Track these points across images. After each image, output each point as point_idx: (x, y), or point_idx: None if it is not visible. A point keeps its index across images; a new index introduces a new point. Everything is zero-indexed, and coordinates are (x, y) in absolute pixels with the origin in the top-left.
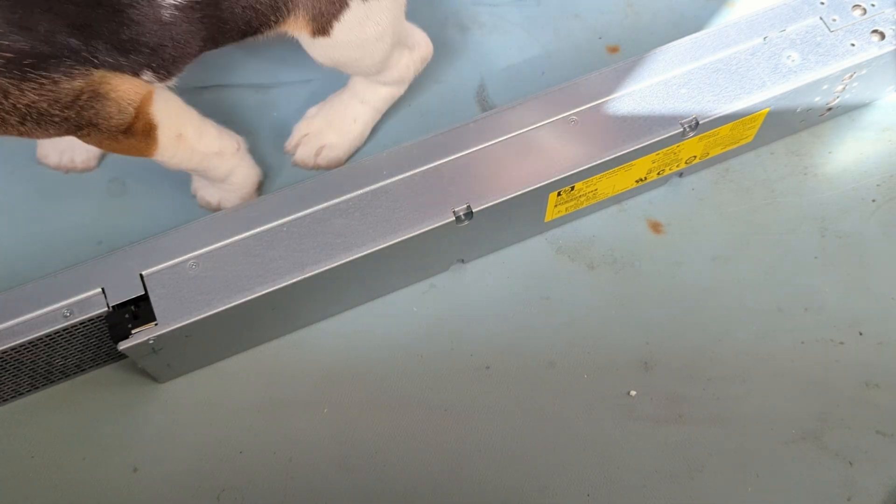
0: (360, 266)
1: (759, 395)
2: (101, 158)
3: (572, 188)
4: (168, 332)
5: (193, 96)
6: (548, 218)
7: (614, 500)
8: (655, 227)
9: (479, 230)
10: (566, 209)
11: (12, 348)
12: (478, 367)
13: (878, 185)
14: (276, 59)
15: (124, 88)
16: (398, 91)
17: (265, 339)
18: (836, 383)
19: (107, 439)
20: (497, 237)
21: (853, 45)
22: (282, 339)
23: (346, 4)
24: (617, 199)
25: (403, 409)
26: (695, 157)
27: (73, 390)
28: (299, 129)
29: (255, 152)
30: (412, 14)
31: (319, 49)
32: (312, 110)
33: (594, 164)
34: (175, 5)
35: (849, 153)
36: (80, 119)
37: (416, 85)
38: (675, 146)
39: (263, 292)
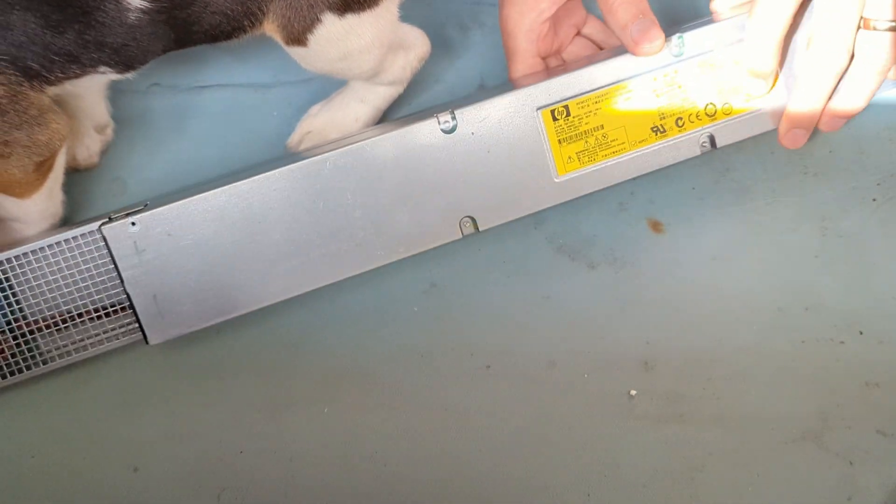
0: None
1: (760, 394)
2: (102, 155)
3: (567, 110)
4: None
5: (193, 96)
6: (560, 171)
7: (614, 500)
8: (656, 226)
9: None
10: (578, 157)
11: None
12: (478, 366)
13: (878, 184)
14: (276, 59)
15: (61, 124)
16: (397, 90)
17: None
18: (836, 383)
19: (107, 439)
20: (504, 179)
21: None
22: (282, 339)
23: (318, 20)
24: (639, 160)
25: (403, 409)
26: (714, 107)
27: (73, 390)
28: (302, 127)
29: (254, 152)
30: (411, 13)
31: (298, 57)
32: (315, 108)
33: (573, 71)
34: (140, 9)
35: (849, 152)
36: (9, 134)
37: (416, 85)
38: (673, 72)
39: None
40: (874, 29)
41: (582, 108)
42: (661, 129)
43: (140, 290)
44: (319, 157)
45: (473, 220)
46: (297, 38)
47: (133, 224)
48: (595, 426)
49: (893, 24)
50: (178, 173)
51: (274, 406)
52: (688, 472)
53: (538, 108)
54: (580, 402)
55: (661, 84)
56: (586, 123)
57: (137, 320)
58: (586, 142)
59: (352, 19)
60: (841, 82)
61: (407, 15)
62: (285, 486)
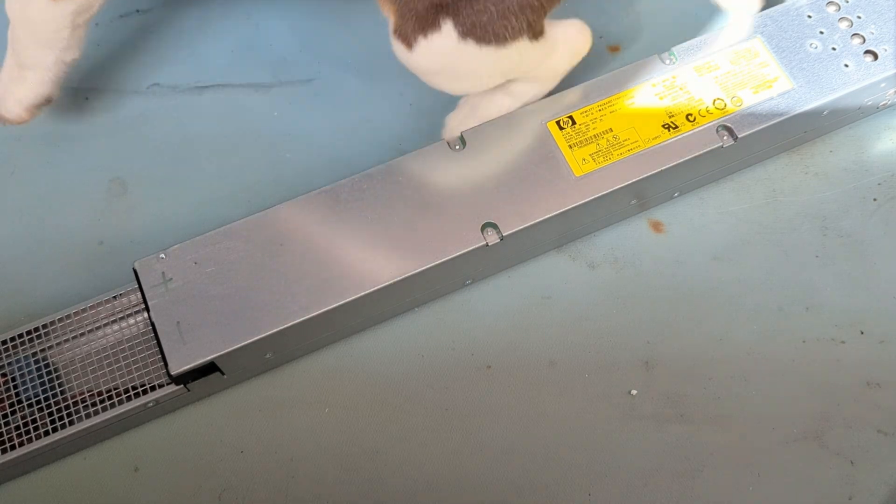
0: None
1: (760, 394)
2: (34, 113)
3: (572, 120)
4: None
5: (193, 96)
6: (577, 171)
7: (615, 499)
8: (656, 226)
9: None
10: (592, 158)
11: None
12: (479, 366)
13: (879, 184)
14: (277, 58)
15: None
16: (547, 87)
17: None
18: (837, 382)
19: (107, 439)
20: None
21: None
22: None
23: (438, 26)
24: (657, 155)
25: (404, 409)
26: (723, 102)
27: None
28: (455, 118)
29: (255, 153)
30: None
31: (401, 55)
32: (463, 99)
33: (572, 88)
34: None
35: (849, 152)
36: None
37: (416, 85)
38: (671, 77)
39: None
40: None
41: (586, 116)
42: (674, 126)
43: (164, 319)
44: (334, 185)
45: (495, 226)
46: (406, 37)
47: (162, 256)
48: (595, 426)
49: None
50: (178, 173)
51: (274, 406)
52: (688, 471)
53: (544, 121)
54: (580, 401)
55: (662, 88)
56: (594, 129)
57: (160, 349)
58: (598, 144)
59: (469, 44)
60: None
61: None
62: (286, 486)
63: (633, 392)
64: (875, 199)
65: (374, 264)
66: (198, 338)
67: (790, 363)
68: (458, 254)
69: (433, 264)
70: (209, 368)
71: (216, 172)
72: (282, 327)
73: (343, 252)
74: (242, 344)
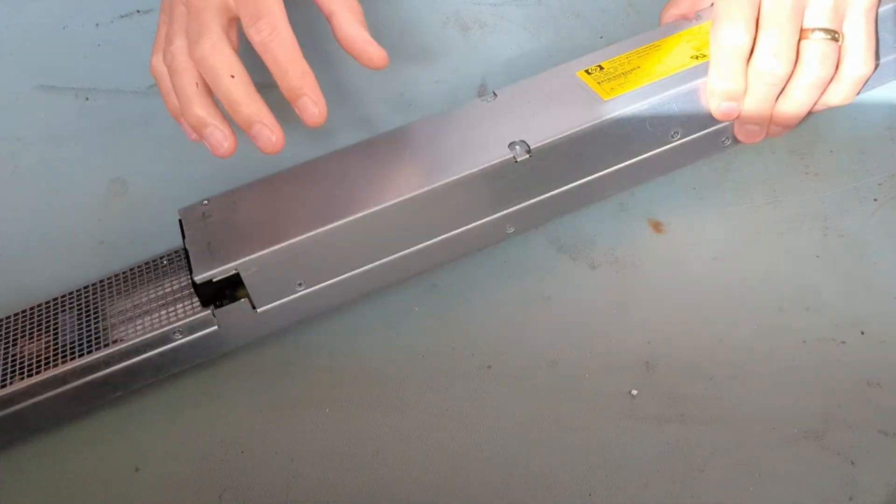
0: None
1: (761, 394)
2: None
3: (600, 67)
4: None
5: None
6: (604, 96)
7: (616, 499)
8: (657, 226)
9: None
10: (620, 86)
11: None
12: (479, 366)
13: (879, 184)
14: None
15: None
16: None
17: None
18: (837, 383)
19: (108, 439)
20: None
21: None
22: (283, 339)
23: None
24: (684, 76)
25: (405, 409)
26: None
27: None
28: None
29: (255, 152)
30: (412, 13)
31: None
32: None
33: (602, 48)
34: None
35: (850, 152)
36: None
37: (417, 84)
38: (698, 27)
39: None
40: (809, 39)
41: (615, 62)
42: (702, 55)
43: (197, 242)
44: (370, 138)
45: (524, 142)
46: None
47: (205, 202)
48: (596, 426)
49: (826, 35)
50: (178, 173)
51: (275, 406)
52: (689, 472)
53: (574, 72)
54: (581, 402)
55: (689, 36)
56: (622, 69)
57: (188, 261)
58: (626, 77)
59: None
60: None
61: (408, 15)
62: (287, 486)
63: (634, 392)
64: (875, 199)
65: (403, 178)
66: (226, 251)
67: (790, 363)
68: (485, 165)
69: (464, 174)
70: (236, 288)
71: (216, 172)
72: (308, 234)
73: (377, 173)
74: (269, 250)
